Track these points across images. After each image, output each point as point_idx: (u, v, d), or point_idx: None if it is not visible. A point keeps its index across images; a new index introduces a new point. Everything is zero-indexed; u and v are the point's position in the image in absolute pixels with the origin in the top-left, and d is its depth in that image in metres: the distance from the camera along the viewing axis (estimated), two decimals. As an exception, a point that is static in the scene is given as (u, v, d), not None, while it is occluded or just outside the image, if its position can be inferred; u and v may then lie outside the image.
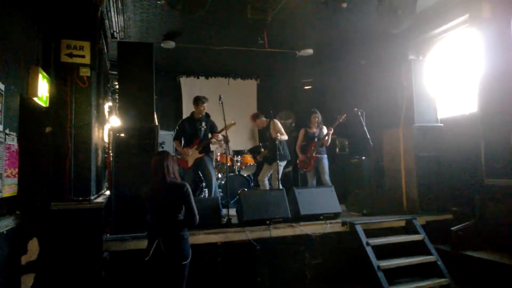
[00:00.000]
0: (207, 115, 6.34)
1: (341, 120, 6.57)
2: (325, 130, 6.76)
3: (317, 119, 6.83)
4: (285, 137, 6.59)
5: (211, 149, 7.93)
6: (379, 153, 6.77)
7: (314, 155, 6.68)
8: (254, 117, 7.03)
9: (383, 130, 6.76)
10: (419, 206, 5.93)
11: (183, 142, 6.36)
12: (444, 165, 6.14)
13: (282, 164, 6.77)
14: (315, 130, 6.85)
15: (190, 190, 3.46)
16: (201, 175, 6.58)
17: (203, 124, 6.24)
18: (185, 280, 3.44)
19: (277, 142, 6.29)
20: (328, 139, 6.67)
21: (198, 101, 6.21)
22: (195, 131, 6.23)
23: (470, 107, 6.06)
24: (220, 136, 6.30)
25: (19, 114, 3.53)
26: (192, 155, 6.14)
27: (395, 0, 5.31)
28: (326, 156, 6.79)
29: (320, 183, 6.75)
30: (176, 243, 3.38)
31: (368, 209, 5.93)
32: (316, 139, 6.74)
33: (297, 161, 7.11)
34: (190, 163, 6.18)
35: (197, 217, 3.44)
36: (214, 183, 6.24)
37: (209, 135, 6.30)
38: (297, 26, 6.78)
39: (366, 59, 7.93)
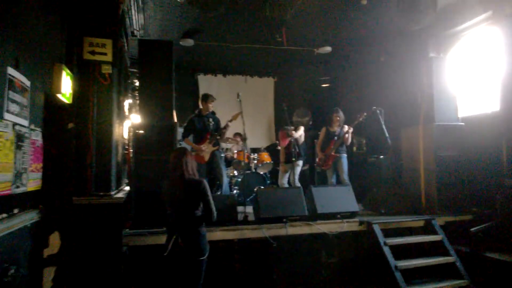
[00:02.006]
0: (213, 113, 6.39)
1: (361, 119, 6.47)
2: (346, 128, 6.66)
3: (338, 118, 6.73)
4: (297, 134, 6.65)
5: (227, 146, 7.97)
6: (397, 151, 6.70)
7: (332, 153, 6.63)
8: (288, 133, 6.85)
9: (402, 129, 6.69)
10: (438, 206, 5.84)
11: (193, 139, 6.38)
12: (464, 164, 6.04)
13: (300, 163, 6.78)
14: (336, 128, 6.77)
15: (207, 186, 3.51)
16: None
17: (211, 120, 6.28)
18: (202, 275, 3.48)
19: (292, 140, 6.31)
20: (348, 138, 6.58)
21: (207, 98, 6.26)
22: (205, 127, 6.24)
23: (492, 106, 5.94)
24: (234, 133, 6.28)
25: (43, 110, 3.62)
26: (208, 149, 6.17)
27: (415, -4, 5.26)
28: (345, 155, 6.70)
29: (339, 181, 6.69)
30: (194, 239, 3.43)
31: (386, 209, 5.88)
32: (335, 138, 6.67)
33: (317, 159, 7.05)
34: (207, 157, 6.18)
35: (215, 213, 3.48)
36: (225, 180, 6.27)
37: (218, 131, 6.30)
38: (315, 23, 6.75)
39: (385, 56, 7.83)
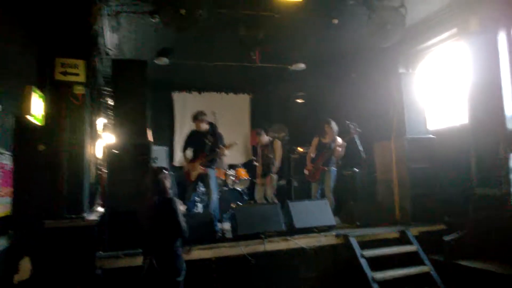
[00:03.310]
0: (213, 127, 6.20)
1: (354, 135, 6.29)
2: (339, 142, 6.49)
3: (331, 129, 6.54)
4: (278, 163, 6.78)
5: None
6: (371, 164, 6.82)
7: (321, 166, 6.61)
8: (258, 133, 7.04)
9: (375, 142, 6.82)
10: (412, 216, 5.96)
11: (191, 153, 6.28)
12: (436, 175, 6.20)
13: (275, 177, 6.83)
14: (328, 140, 6.64)
15: (176, 203, 3.50)
16: (203, 189, 6.53)
17: (209, 137, 6.04)
18: None
19: (271, 156, 6.37)
20: (340, 152, 6.44)
21: (194, 119, 6.12)
22: (200, 145, 6.08)
23: (461, 118, 6.13)
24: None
25: (13, 133, 3.55)
26: (194, 170, 6.09)
27: (384, 15, 5.45)
28: (335, 169, 6.58)
29: (323, 194, 6.58)
30: (169, 260, 3.41)
31: (362, 221, 5.95)
32: (325, 150, 6.56)
33: (305, 170, 6.89)
34: (193, 177, 6.12)
35: (185, 229, 3.45)
36: (215, 199, 6.11)
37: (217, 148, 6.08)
38: (289, 41, 6.88)
39: (357, 72, 8.04)
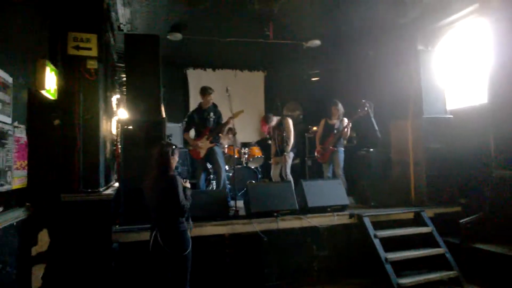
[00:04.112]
0: (215, 105, 6.31)
1: (361, 114, 6.31)
2: (345, 122, 6.60)
3: (338, 110, 6.68)
4: (291, 140, 6.72)
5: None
6: (387, 145, 6.72)
7: (330, 147, 6.62)
8: (267, 120, 6.98)
9: (391, 122, 6.71)
10: (428, 198, 5.90)
11: (193, 133, 6.34)
12: (453, 156, 6.08)
13: (291, 155, 6.79)
14: (335, 121, 6.72)
15: (177, 181, 3.45)
16: (210, 167, 6.58)
17: (212, 114, 6.20)
18: (188, 271, 3.48)
19: (284, 135, 6.33)
20: (347, 132, 6.54)
21: (205, 91, 6.18)
22: (204, 122, 6.18)
23: (480, 98, 5.98)
24: (227, 128, 6.27)
25: (27, 106, 3.55)
26: (204, 145, 6.12)
27: (402, -12, 5.26)
28: (342, 149, 6.66)
29: (333, 175, 6.66)
30: (173, 235, 3.43)
31: (376, 201, 5.92)
32: (335, 131, 6.63)
33: (315, 151, 7.01)
34: (203, 153, 6.13)
35: (186, 207, 3.43)
36: (223, 175, 6.21)
37: (219, 124, 6.25)
38: (304, 17, 6.71)
39: (374, 50, 7.83)
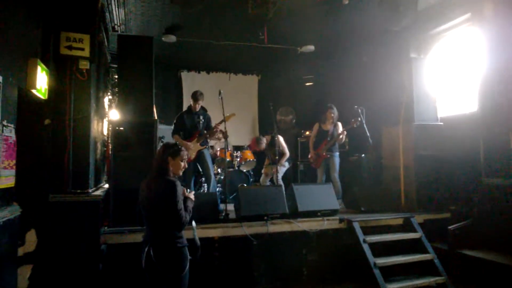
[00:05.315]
0: (204, 109, 6.39)
1: (354, 125, 6.37)
2: (339, 127, 6.64)
3: (332, 115, 6.69)
4: (287, 155, 6.85)
5: (210, 144, 7.96)
6: (378, 150, 6.76)
7: (324, 153, 6.63)
8: (259, 145, 7.01)
9: (383, 128, 6.75)
10: (417, 204, 5.95)
11: (182, 136, 6.35)
12: (443, 163, 6.13)
13: (286, 165, 6.85)
14: (329, 127, 6.74)
15: (176, 187, 2.95)
16: (200, 169, 6.59)
17: (201, 117, 6.28)
18: None
19: (277, 148, 6.37)
20: (342, 139, 6.59)
21: (197, 98, 6.20)
22: (194, 124, 6.23)
23: (471, 106, 6.03)
24: (219, 131, 6.30)
25: (17, 106, 3.53)
26: (194, 147, 6.14)
27: (396, -4, 5.32)
28: (337, 153, 6.70)
29: (328, 180, 6.67)
30: (170, 253, 2.94)
31: (366, 207, 5.93)
32: (328, 138, 6.65)
33: (309, 155, 7.04)
34: (193, 156, 6.16)
35: (183, 215, 2.94)
36: (213, 178, 6.27)
37: (208, 129, 6.33)
38: (298, 22, 6.75)
39: (368, 56, 7.90)
